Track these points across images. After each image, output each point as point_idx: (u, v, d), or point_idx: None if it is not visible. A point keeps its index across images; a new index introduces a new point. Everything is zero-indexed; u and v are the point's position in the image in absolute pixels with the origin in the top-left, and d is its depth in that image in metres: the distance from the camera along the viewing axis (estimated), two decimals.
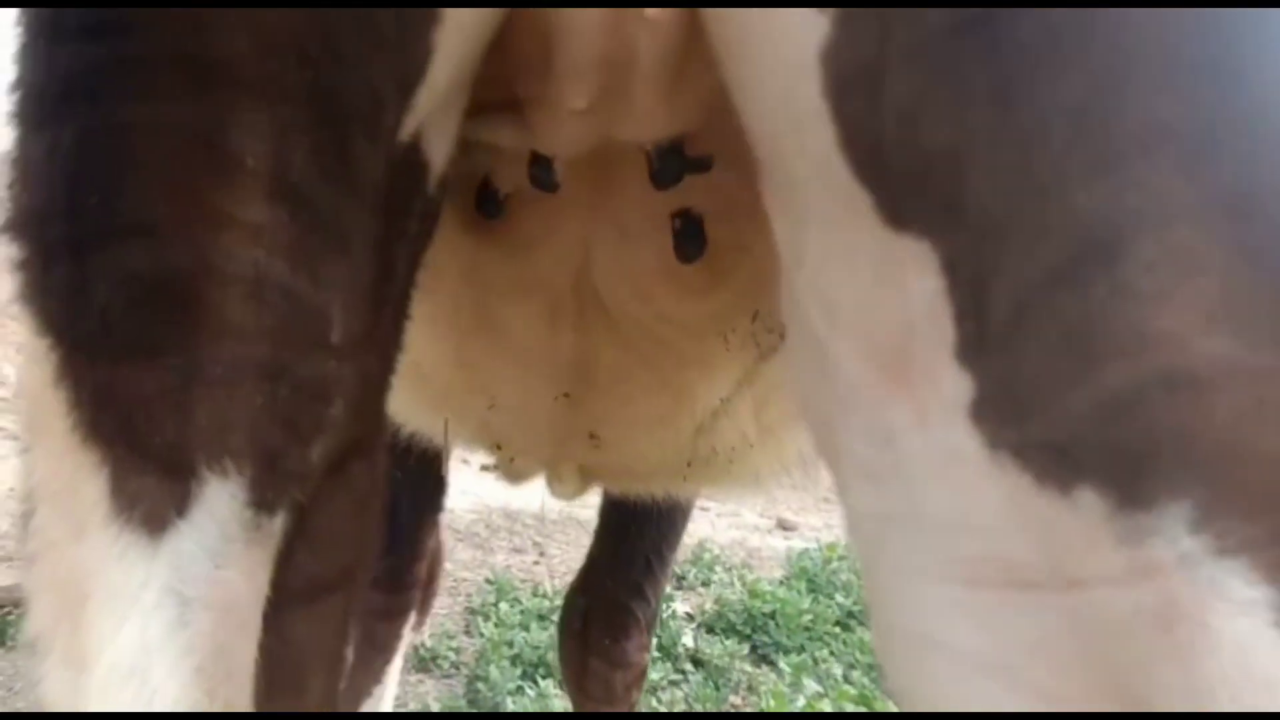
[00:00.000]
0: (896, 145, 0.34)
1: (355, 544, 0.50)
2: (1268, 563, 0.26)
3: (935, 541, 0.35)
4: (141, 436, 0.40)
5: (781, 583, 3.13)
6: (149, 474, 0.41)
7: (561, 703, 2.13)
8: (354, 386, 0.46)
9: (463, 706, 2.18)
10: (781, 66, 0.38)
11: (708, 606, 2.90)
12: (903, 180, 0.35)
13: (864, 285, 0.38)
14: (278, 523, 0.44)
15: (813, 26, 0.35)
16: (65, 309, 0.40)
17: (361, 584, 0.51)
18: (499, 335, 0.84)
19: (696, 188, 0.64)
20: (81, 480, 0.41)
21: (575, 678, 1.56)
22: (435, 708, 2.16)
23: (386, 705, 1.62)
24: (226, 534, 0.42)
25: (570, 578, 3.00)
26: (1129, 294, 0.29)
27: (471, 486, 3.63)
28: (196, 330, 0.40)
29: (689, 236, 0.67)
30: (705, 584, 3.14)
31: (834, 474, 0.44)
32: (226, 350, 0.40)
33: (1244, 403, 0.27)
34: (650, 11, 0.44)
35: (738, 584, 3.11)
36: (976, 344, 0.33)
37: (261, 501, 0.42)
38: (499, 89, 0.55)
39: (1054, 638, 0.31)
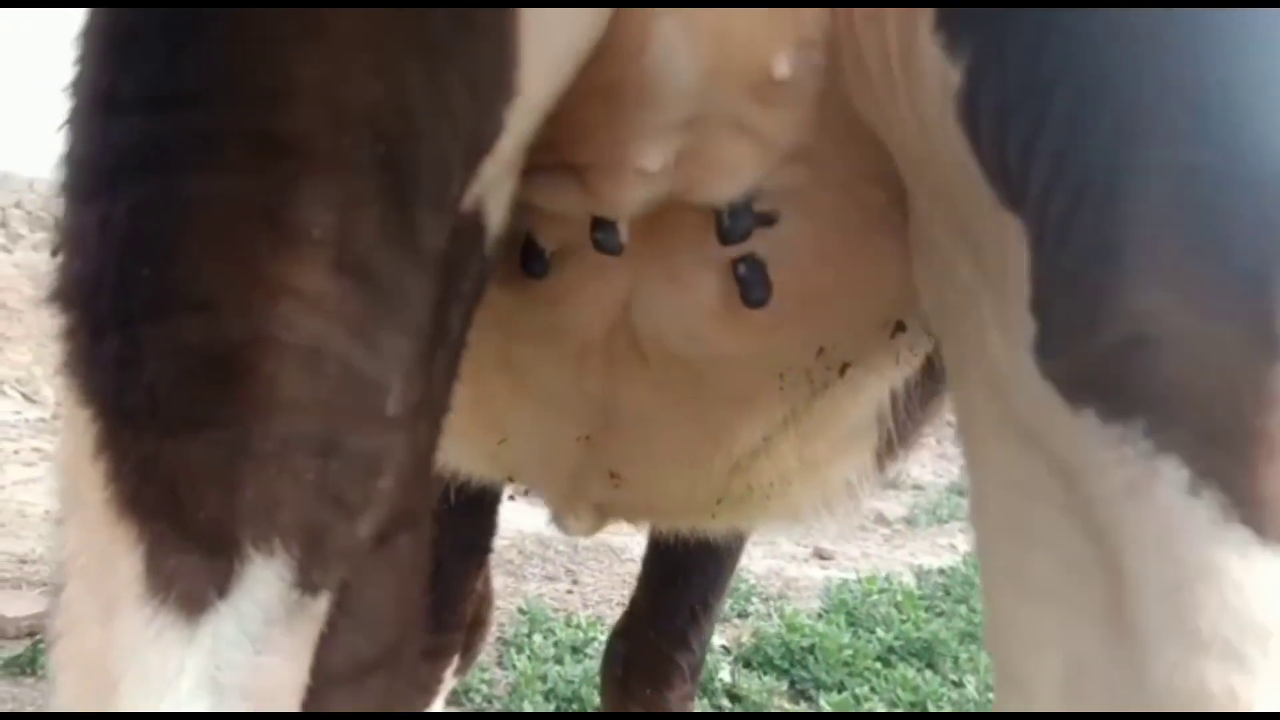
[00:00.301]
0: (1013, 161, 0.45)
1: (400, 620, 0.48)
2: (1188, 455, 0.40)
3: (1025, 431, 0.49)
4: (185, 512, 0.38)
5: (820, 616, 3.05)
6: (190, 551, 0.38)
7: None
8: (405, 456, 0.44)
9: None
10: (927, 102, 0.49)
11: (744, 639, 2.84)
12: (1015, 181, 0.46)
13: (994, 245, 0.49)
14: (321, 603, 0.42)
15: (947, 76, 0.47)
16: (111, 380, 0.39)
17: (407, 661, 0.49)
18: (519, 377, 0.82)
19: (760, 236, 0.62)
20: (116, 556, 0.39)
21: None
22: None
23: None
24: (269, 617, 0.39)
25: (603, 606, 2.94)
26: (1125, 283, 0.41)
27: (502, 513, 3.61)
28: (248, 403, 0.38)
29: (753, 282, 0.65)
30: (742, 615, 3.08)
31: (960, 388, 0.59)
32: (278, 424, 0.38)
33: (1188, 356, 0.40)
34: (781, 71, 0.44)
35: (775, 616, 3.04)
36: (1042, 301, 0.45)
37: (307, 582, 0.40)
38: (553, 153, 0.54)
39: (1082, 500, 0.45)
